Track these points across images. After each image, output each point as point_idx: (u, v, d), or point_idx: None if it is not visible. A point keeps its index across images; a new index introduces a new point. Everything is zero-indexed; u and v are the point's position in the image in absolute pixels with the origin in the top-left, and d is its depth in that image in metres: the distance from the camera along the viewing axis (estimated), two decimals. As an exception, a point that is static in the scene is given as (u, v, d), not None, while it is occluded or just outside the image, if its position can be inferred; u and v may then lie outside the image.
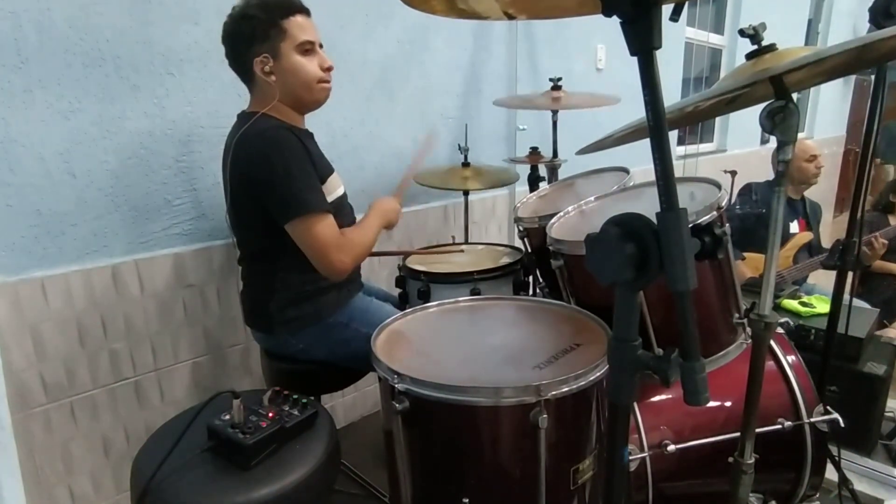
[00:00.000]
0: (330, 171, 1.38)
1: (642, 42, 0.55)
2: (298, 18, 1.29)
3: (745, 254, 2.43)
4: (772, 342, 1.32)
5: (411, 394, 0.91)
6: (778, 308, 1.95)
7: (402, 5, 0.65)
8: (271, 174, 1.22)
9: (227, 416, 1.03)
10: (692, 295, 0.56)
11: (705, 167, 3.82)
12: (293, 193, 1.22)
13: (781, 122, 0.89)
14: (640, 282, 0.58)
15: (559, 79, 2.10)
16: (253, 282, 1.41)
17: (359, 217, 1.47)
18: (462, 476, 0.94)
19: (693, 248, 0.56)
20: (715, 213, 1.10)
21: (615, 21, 0.56)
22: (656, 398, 1.29)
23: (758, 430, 1.07)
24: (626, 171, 1.62)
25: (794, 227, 2.56)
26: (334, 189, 1.37)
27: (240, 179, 1.28)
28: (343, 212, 1.40)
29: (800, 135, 3.08)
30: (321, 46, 1.34)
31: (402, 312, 1.22)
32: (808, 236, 2.54)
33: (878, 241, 2.38)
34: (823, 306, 1.85)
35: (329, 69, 1.34)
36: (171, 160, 1.55)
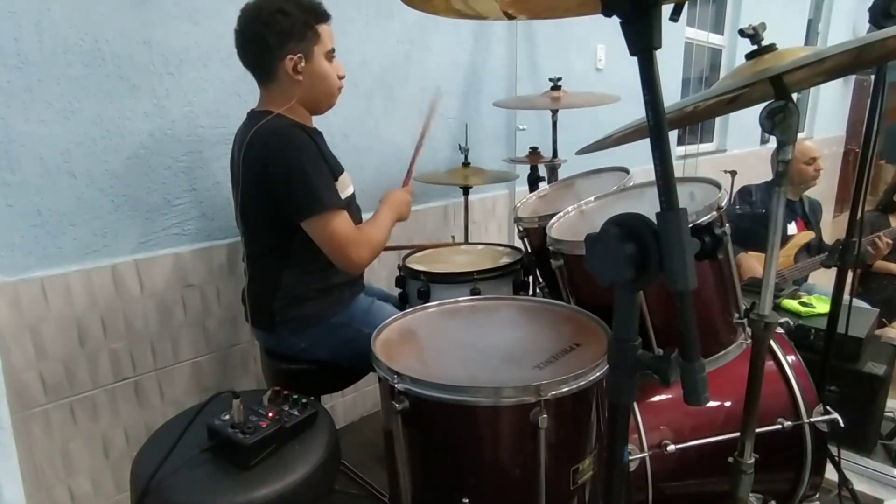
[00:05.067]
0: (341, 169, 1.39)
1: (642, 42, 0.55)
2: (326, 26, 1.32)
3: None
4: (772, 342, 1.32)
5: (411, 394, 0.91)
6: (778, 308, 1.95)
7: (402, 5, 0.65)
8: (288, 172, 1.22)
9: (227, 416, 1.03)
10: (692, 295, 0.56)
11: (705, 167, 3.82)
12: (310, 191, 1.23)
13: (781, 122, 0.89)
14: (639, 282, 0.58)
15: (559, 79, 2.10)
16: (258, 280, 1.41)
17: (366, 217, 1.47)
18: (462, 476, 0.94)
19: (693, 248, 0.56)
20: (715, 213, 1.09)
21: (615, 21, 0.56)
22: (656, 398, 1.29)
23: (757, 430, 1.07)
24: (626, 171, 1.62)
25: (791, 228, 2.56)
26: (345, 188, 1.38)
27: (253, 176, 1.28)
28: (352, 210, 1.41)
29: (800, 135, 3.09)
30: None
31: (401, 312, 1.22)
32: (809, 236, 2.54)
33: (883, 241, 2.38)
34: (823, 306, 1.85)
35: (343, 77, 1.38)
36: (171, 160, 1.55)
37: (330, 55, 1.34)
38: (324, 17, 1.31)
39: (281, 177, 1.23)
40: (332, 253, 1.28)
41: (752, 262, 2.38)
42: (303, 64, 1.28)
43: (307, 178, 1.23)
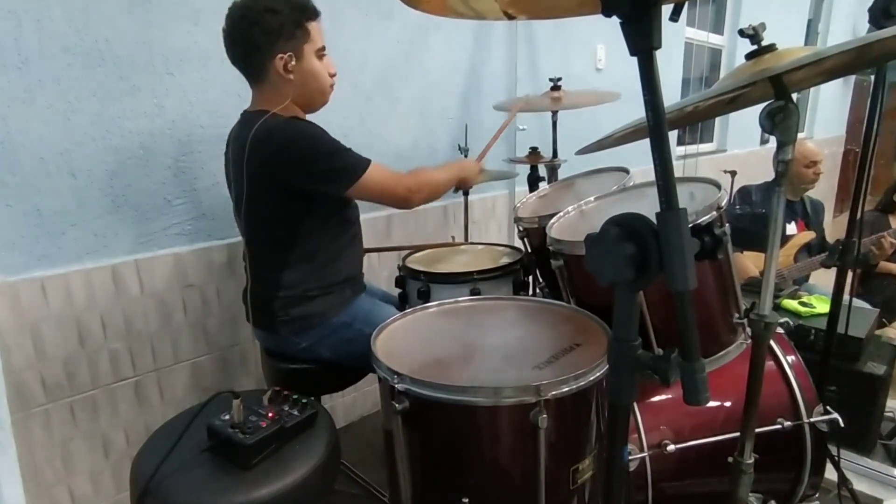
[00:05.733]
0: None
1: (642, 42, 0.55)
2: (316, 23, 1.31)
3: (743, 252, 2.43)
4: (771, 342, 1.32)
5: (411, 394, 0.91)
6: (778, 308, 1.95)
7: (401, 5, 0.65)
8: (314, 155, 1.25)
9: (227, 416, 1.03)
10: (692, 295, 0.56)
11: (705, 167, 3.82)
12: (341, 163, 1.27)
13: (781, 122, 0.89)
14: (639, 282, 0.58)
15: (559, 79, 2.10)
16: (259, 280, 1.41)
17: (363, 215, 1.49)
18: (462, 476, 0.94)
19: (693, 248, 0.56)
20: (715, 213, 1.10)
21: (615, 21, 0.56)
22: (656, 398, 1.29)
23: (757, 429, 1.07)
24: (626, 171, 1.62)
25: (791, 228, 2.55)
26: None
27: (262, 173, 1.27)
28: (350, 207, 1.42)
29: (800, 135, 3.09)
30: None
31: (401, 312, 1.22)
32: (808, 236, 2.54)
33: (887, 241, 2.38)
34: (823, 306, 1.85)
35: (334, 75, 1.38)
36: (171, 160, 1.55)
37: (320, 53, 1.33)
38: (313, 14, 1.30)
39: (306, 162, 1.24)
40: (383, 200, 1.35)
41: (746, 262, 2.38)
42: (293, 63, 1.27)
43: (333, 153, 1.26)
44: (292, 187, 1.27)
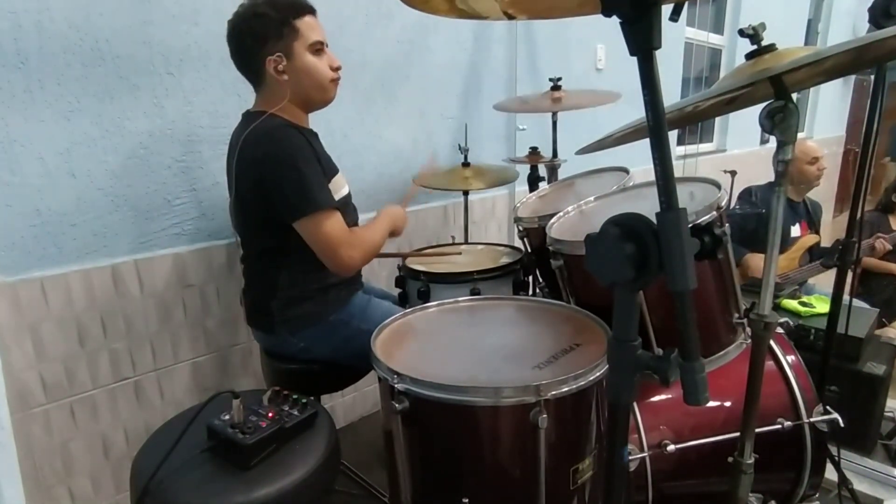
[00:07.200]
0: (335, 170, 1.39)
1: (642, 42, 0.55)
2: (308, 19, 1.30)
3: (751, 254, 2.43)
4: (771, 342, 1.32)
5: (411, 394, 0.91)
6: (778, 308, 1.95)
7: (401, 5, 0.65)
8: (281, 174, 1.22)
9: (227, 416, 1.03)
10: (692, 295, 0.56)
11: (705, 167, 3.82)
12: (303, 192, 1.23)
13: (781, 122, 0.89)
14: (639, 282, 0.58)
15: (559, 79, 2.10)
16: (255, 281, 1.41)
17: (361, 218, 1.48)
18: (462, 476, 0.94)
19: (693, 248, 0.56)
20: (715, 213, 1.10)
21: (615, 21, 0.56)
22: (656, 398, 1.29)
23: (757, 430, 1.07)
24: (626, 171, 1.62)
25: (795, 230, 2.55)
26: (339, 188, 1.37)
27: (247, 178, 1.28)
28: (348, 211, 1.40)
29: (800, 135, 3.09)
30: (327, 46, 1.35)
31: (401, 312, 1.22)
32: (813, 239, 2.53)
33: (881, 243, 2.39)
34: (823, 306, 1.85)
35: (338, 69, 1.36)
36: (171, 160, 1.55)
37: (315, 48, 1.31)
38: (303, 10, 1.29)
39: (274, 177, 1.23)
40: (323, 254, 1.28)
41: (761, 262, 2.38)
42: (284, 62, 1.27)
43: (301, 178, 1.22)
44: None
